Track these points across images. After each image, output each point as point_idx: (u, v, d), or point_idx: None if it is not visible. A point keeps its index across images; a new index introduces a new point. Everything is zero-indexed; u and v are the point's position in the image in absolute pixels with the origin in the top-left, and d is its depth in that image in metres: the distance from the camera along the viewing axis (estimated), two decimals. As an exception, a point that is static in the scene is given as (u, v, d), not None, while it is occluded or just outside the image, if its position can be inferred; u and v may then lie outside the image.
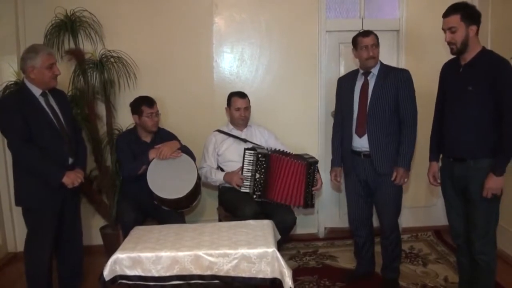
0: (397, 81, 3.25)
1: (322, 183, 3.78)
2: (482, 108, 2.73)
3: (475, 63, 2.77)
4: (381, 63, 3.37)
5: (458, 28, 2.74)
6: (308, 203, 3.69)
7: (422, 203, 4.75)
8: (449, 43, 2.81)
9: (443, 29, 2.82)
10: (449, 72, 2.98)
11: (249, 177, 3.64)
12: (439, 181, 3.11)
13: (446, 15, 2.80)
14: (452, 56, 2.94)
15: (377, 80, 3.30)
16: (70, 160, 3.18)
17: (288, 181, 3.65)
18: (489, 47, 3.61)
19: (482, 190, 2.74)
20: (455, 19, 2.75)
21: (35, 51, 3.03)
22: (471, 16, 2.75)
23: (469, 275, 3.04)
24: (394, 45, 4.50)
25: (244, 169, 3.64)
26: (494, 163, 2.71)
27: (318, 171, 3.74)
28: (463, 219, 2.95)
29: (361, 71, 3.39)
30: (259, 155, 3.62)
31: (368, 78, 3.33)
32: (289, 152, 3.75)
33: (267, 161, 3.64)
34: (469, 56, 2.78)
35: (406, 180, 3.33)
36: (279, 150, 3.75)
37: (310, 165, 3.66)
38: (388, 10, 4.54)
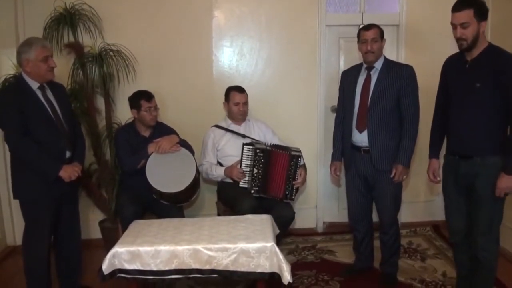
0: (399, 77, 3.23)
1: (304, 179, 3.73)
2: (490, 105, 2.67)
3: (482, 59, 2.69)
4: (385, 58, 3.35)
5: (470, 23, 2.63)
6: (287, 195, 3.67)
7: (421, 198, 4.76)
8: (459, 39, 2.69)
9: (453, 23, 2.70)
10: (453, 68, 2.90)
11: (248, 172, 3.64)
12: (439, 178, 3.10)
13: (458, 9, 2.66)
14: (452, 52, 2.90)
15: (380, 75, 3.28)
16: (68, 154, 3.16)
17: (275, 173, 3.65)
18: (489, 40, 3.60)
19: (489, 186, 2.70)
20: (468, 14, 2.63)
21: (29, 44, 3.01)
22: (483, 11, 2.66)
23: (467, 272, 3.04)
24: (394, 40, 4.48)
25: (242, 164, 3.64)
26: (505, 162, 2.66)
27: (303, 167, 3.70)
28: (464, 216, 2.93)
29: (364, 66, 3.37)
30: (257, 150, 3.62)
31: (371, 73, 3.31)
32: (283, 146, 3.74)
33: (265, 156, 3.63)
34: (476, 52, 2.71)
35: (405, 177, 3.32)
36: (277, 144, 3.74)
37: (292, 157, 3.64)
38: (388, 4, 4.52)
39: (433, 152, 3.12)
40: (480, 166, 2.75)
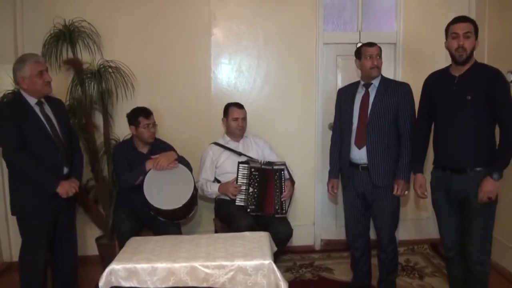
0: (397, 94, 3.27)
1: (291, 190, 3.75)
2: (481, 117, 2.76)
3: (471, 73, 2.81)
4: (382, 76, 3.39)
5: (472, 35, 2.79)
6: (277, 210, 3.67)
7: (418, 215, 4.75)
8: (459, 48, 2.78)
9: (455, 32, 2.80)
10: (440, 84, 2.98)
11: (243, 190, 3.64)
12: (426, 193, 3.13)
13: (462, 20, 2.82)
14: (435, 69, 3.03)
15: (378, 92, 3.31)
16: (66, 170, 3.16)
17: (270, 191, 3.67)
18: (485, 61, 3.64)
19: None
20: (471, 26, 2.80)
21: (22, 61, 3.03)
22: (477, 31, 2.83)
23: (461, 287, 3.05)
24: (391, 58, 4.51)
25: (238, 183, 3.65)
26: (493, 168, 2.73)
27: (290, 179, 3.74)
28: (457, 231, 2.96)
29: (362, 83, 3.40)
30: (252, 169, 3.63)
31: (369, 90, 3.34)
32: (272, 162, 3.76)
33: (260, 175, 3.64)
34: (465, 67, 2.83)
35: (406, 192, 3.33)
36: (269, 162, 3.76)
37: (275, 171, 3.66)
38: (385, 23, 4.57)
39: (419, 167, 3.15)
40: (473, 179, 2.80)
